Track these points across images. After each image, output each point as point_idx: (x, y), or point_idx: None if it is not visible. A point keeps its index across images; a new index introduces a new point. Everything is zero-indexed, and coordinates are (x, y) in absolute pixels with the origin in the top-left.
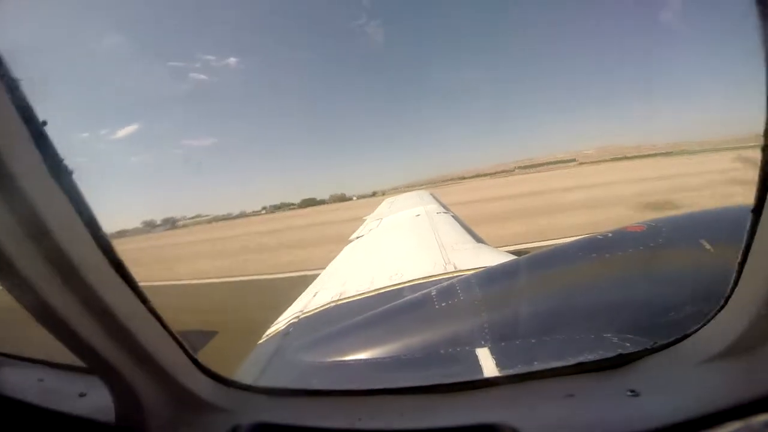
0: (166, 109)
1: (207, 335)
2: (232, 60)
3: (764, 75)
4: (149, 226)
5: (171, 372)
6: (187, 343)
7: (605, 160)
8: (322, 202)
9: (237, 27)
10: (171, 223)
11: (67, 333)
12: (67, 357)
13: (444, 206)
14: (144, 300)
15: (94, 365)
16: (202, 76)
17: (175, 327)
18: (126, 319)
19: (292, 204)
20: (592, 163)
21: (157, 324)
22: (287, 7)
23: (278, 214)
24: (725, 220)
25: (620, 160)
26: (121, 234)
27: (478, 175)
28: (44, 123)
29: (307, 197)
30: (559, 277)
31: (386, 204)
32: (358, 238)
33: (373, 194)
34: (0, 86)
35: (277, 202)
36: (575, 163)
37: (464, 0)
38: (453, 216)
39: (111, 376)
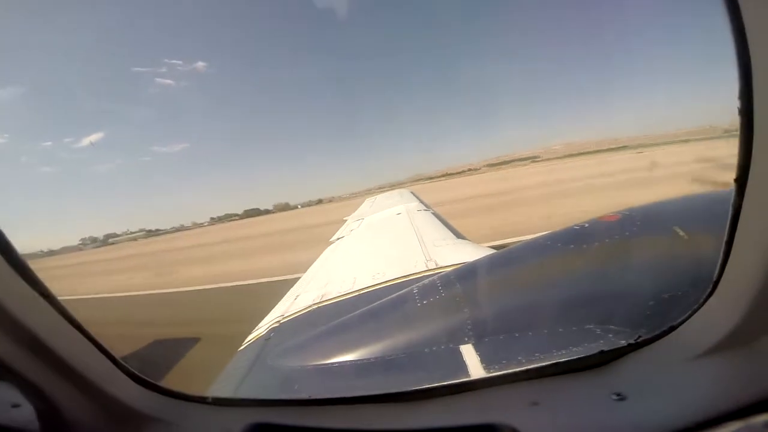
0: (132, 116)
1: (188, 343)
2: (200, 64)
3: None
4: (88, 242)
5: (95, 381)
6: (114, 351)
7: (570, 155)
8: (266, 212)
9: (202, 32)
10: (103, 241)
11: None
12: None
13: (425, 204)
14: (60, 309)
15: (13, 377)
16: (169, 81)
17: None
18: (38, 327)
19: (235, 215)
20: (557, 158)
21: (73, 329)
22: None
23: (220, 225)
24: (697, 206)
25: (584, 155)
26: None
27: (446, 175)
28: None
29: (250, 207)
30: (538, 269)
31: (367, 203)
32: (339, 239)
33: (319, 202)
34: None
35: (222, 213)
36: (539, 159)
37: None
38: (433, 213)
39: (28, 387)
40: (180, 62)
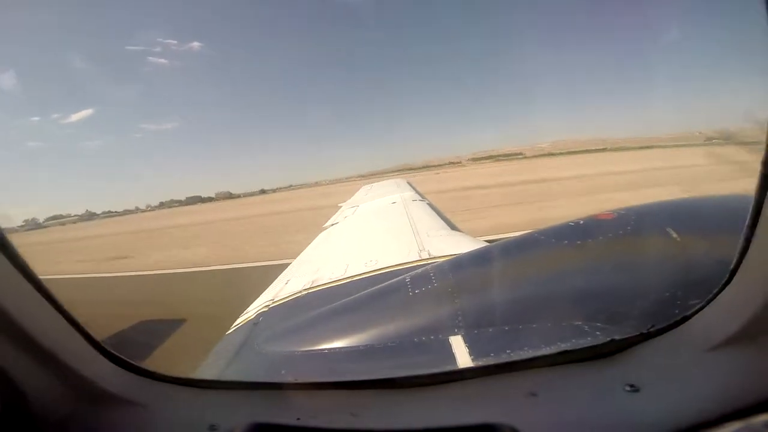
0: (123, 94)
1: (174, 323)
2: (195, 44)
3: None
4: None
5: (63, 358)
6: (91, 329)
7: (557, 154)
8: (209, 200)
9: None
10: (35, 224)
11: None
12: None
13: (420, 194)
14: (32, 279)
15: None
16: (163, 60)
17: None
18: (8, 301)
19: (178, 200)
20: (543, 156)
21: (48, 304)
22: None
23: (163, 212)
24: (691, 209)
25: (573, 153)
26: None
27: (428, 167)
28: None
29: (192, 194)
30: (532, 263)
31: (363, 191)
32: (332, 225)
33: (262, 191)
34: None
35: (167, 198)
36: (522, 156)
37: None
38: (429, 203)
39: None
40: (175, 42)
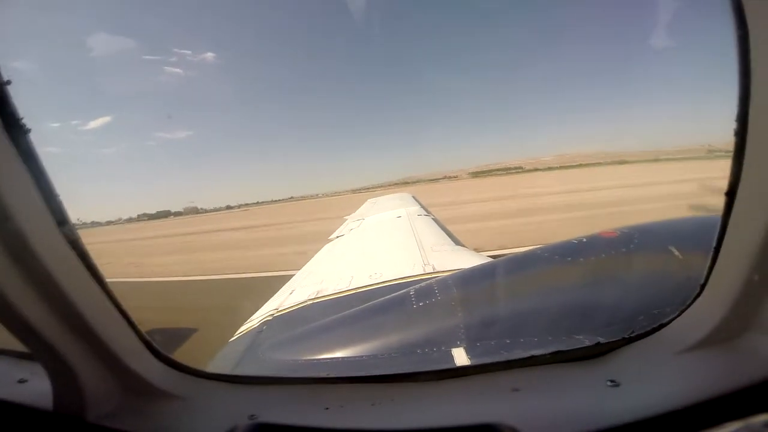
0: (140, 102)
1: (186, 332)
2: (209, 55)
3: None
4: None
5: (120, 355)
6: (142, 328)
7: (559, 167)
8: (178, 214)
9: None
10: None
11: (8, 312)
12: (8, 341)
13: (425, 209)
14: (98, 278)
15: (33, 345)
16: (178, 70)
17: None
18: (75, 294)
19: (148, 214)
20: (544, 170)
21: (109, 303)
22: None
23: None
24: (694, 228)
25: (573, 167)
26: None
27: (419, 181)
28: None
29: (162, 209)
30: (535, 279)
31: (368, 204)
32: (338, 237)
33: (227, 207)
34: None
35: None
36: (521, 170)
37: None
38: (433, 218)
39: (51, 358)
40: (189, 52)
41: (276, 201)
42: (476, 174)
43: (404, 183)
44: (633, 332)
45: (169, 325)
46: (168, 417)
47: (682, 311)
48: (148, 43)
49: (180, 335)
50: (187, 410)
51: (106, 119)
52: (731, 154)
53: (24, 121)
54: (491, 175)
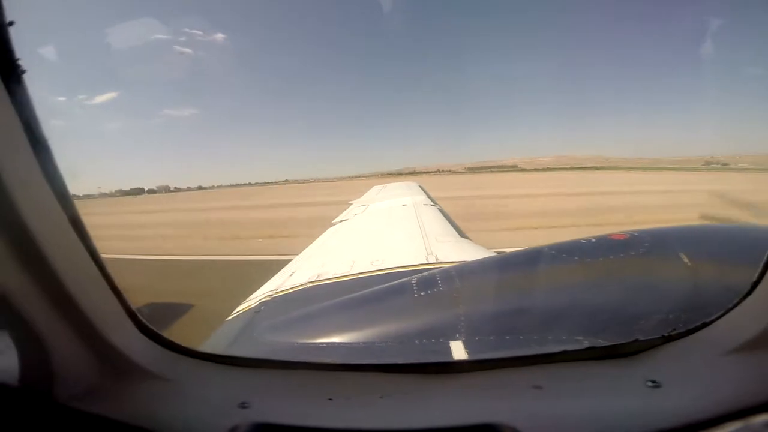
0: (147, 80)
1: (181, 308)
2: (219, 36)
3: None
4: None
5: (99, 325)
6: (128, 297)
7: (556, 168)
8: (151, 192)
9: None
10: None
11: None
12: None
13: (431, 199)
14: (83, 237)
15: (12, 316)
16: (187, 50)
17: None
18: (53, 251)
19: (123, 190)
20: (539, 170)
21: (94, 266)
22: None
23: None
24: (706, 236)
25: (571, 169)
26: None
27: (413, 173)
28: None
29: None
30: (540, 276)
31: (374, 191)
32: (342, 221)
33: (199, 188)
34: None
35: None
36: (516, 168)
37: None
38: (439, 209)
39: (19, 325)
40: (200, 32)
41: (269, 183)
42: (473, 170)
43: (398, 174)
44: (673, 330)
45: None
46: (150, 400)
47: (728, 310)
48: (159, 22)
49: (174, 311)
50: (172, 393)
51: (113, 95)
52: (727, 167)
53: (20, 62)
54: (490, 172)
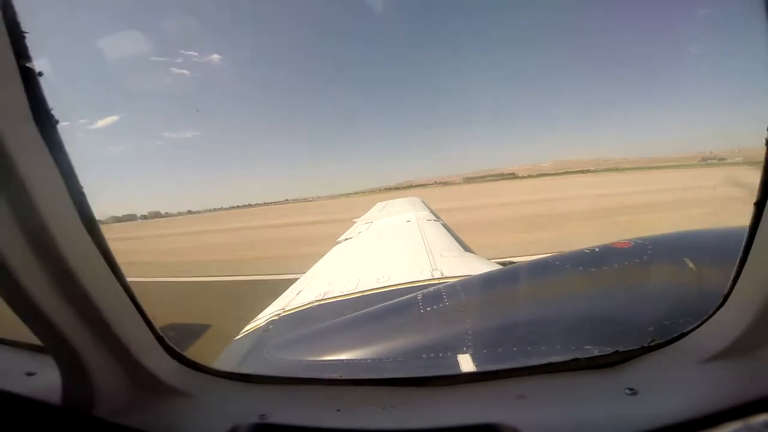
0: (147, 103)
1: (199, 329)
2: (215, 57)
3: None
4: None
5: (132, 350)
6: (155, 323)
7: (556, 173)
8: (143, 218)
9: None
10: None
11: (24, 302)
12: (17, 333)
13: (435, 214)
14: (116, 272)
15: (46, 337)
16: (184, 71)
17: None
18: (92, 287)
19: (115, 216)
20: (535, 176)
21: (126, 297)
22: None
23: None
24: (711, 240)
25: (572, 174)
26: None
27: (410, 186)
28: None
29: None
30: (545, 288)
31: (377, 207)
32: (346, 239)
33: (188, 212)
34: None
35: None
36: (513, 176)
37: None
38: (443, 224)
39: (62, 350)
40: (196, 53)
41: (269, 203)
42: (471, 180)
43: (396, 188)
44: (653, 341)
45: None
46: (178, 415)
47: (704, 321)
48: (155, 45)
49: (193, 331)
50: (198, 408)
51: (114, 118)
52: (724, 161)
53: (53, 112)
54: (488, 181)
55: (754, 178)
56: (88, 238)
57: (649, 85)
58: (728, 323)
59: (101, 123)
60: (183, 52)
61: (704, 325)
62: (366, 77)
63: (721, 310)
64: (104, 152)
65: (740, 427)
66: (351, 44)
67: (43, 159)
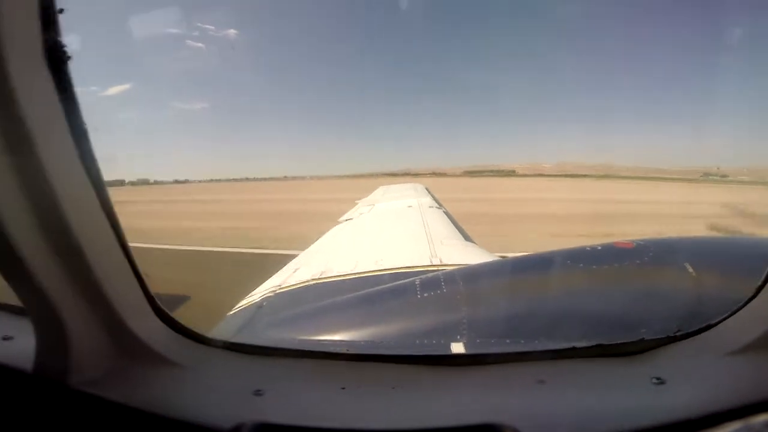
0: (160, 73)
1: (177, 300)
2: (231, 31)
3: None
4: None
5: (119, 310)
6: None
7: (555, 175)
8: (131, 184)
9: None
10: None
11: (11, 255)
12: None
13: (437, 201)
14: (114, 225)
15: (25, 292)
16: (200, 44)
17: None
18: (83, 237)
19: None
20: (531, 176)
21: (121, 252)
22: None
23: None
24: (713, 247)
25: (570, 177)
26: None
27: (410, 175)
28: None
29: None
30: (545, 281)
31: (380, 191)
32: (347, 220)
33: (175, 181)
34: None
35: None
36: (513, 174)
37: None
38: (445, 212)
39: (42, 307)
40: (212, 27)
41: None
42: (470, 173)
43: (394, 175)
44: (679, 330)
45: None
46: (165, 386)
47: (733, 312)
48: (172, 16)
49: (171, 302)
50: (188, 380)
51: (125, 86)
52: (726, 178)
53: (66, 49)
54: (485, 177)
55: (743, 197)
56: (88, 185)
57: (668, 95)
58: (758, 316)
59: (113, 90)
60: (200, 25)
61: (733, 317)
62: (375, 61)
63: (751, 302)
64: (112, 118)
65: (740, 426)
66: (363, 31)
67: (50, 99)
